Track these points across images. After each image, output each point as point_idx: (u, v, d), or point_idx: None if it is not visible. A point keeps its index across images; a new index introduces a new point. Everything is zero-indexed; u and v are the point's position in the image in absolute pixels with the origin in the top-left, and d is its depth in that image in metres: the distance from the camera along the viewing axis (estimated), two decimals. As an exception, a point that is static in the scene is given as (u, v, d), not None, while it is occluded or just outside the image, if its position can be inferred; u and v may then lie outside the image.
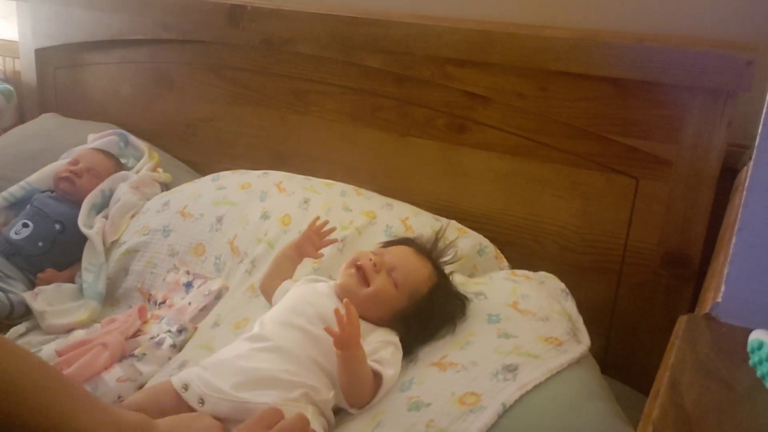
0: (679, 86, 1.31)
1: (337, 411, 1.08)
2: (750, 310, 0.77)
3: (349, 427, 1.04)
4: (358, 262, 1.16)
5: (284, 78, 1.78)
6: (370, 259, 1.16)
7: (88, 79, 2.12)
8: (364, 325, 1.08)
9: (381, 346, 1.10)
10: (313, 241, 1.27)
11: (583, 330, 1.19)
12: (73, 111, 2.15)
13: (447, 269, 1.25)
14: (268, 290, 1.25)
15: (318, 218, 1.30)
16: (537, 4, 1.54)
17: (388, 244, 1.25)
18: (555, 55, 1.38)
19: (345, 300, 1.06)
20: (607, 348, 1.49)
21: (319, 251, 1.29)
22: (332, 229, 1.30)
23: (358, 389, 1.05)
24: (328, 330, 1.02)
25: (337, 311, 1.02)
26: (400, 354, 1.12)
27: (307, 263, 1.33)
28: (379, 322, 1.14)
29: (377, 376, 1.06)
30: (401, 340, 1.14)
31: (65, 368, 1.23)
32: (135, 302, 1.52)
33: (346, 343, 1.02)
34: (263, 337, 1.09)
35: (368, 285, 1.14)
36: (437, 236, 1.29)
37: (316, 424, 1.00)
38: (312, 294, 1.17)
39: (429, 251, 1.24)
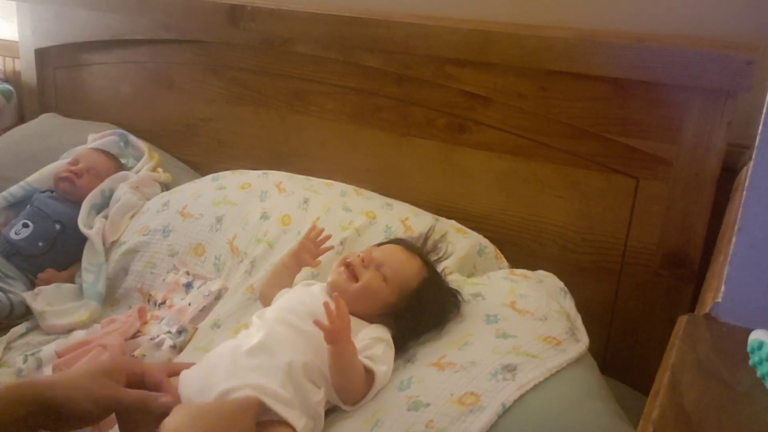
0: (679, 86, 1.31)
1: (334, 409, 1.07)
2: (750, 310, 0.77)
3: (348, 425, 1.03)
4: (347, 260, 1.17)
5: (284, 78, 1.78)
6: (359, 256, 1.17)
7: (88, 79, 2.12)
8: (354, 321, 1.08)
9: (373, 343, 1.09)
10: (310, 249, 1.28)
11: (581, 329, 1.19)
12: (73, 111, 2.15)
13: (442, 266, 1.26)
14: (266, 298, 1.24)
15: (314, 227, 1.30)
16: (537, 4, 1.53)
17: (379, 246, 1.26)
18: (555, 55, 1.38)
19: (335, 294, 1.06)
20: (607, 348, 1.49)
21: (317, 259, 1.29)
22: (328, 237, 1.30)
23: (349, 385, 1.05)
24: (317, 323, 1.02)
25: (326, 304, 1.02)
26: (392, 351, 1.12)
27: (306, 269, 1.32)
28: (370, 318, 1.14)
29: (369, 373, 1.06)
30: (393, 337, 1.14)
31: (65, 369, 1.23)
32: (135, 303, 1.52)
33: (336, 337, 1.02)
34: (255, 331, 1.09)
35: (357, 281, 1.14)
36: (427, 234, 1.30)
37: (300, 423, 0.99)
38: (305, 294, 1.17)
39: (418, 248, 1.24)
